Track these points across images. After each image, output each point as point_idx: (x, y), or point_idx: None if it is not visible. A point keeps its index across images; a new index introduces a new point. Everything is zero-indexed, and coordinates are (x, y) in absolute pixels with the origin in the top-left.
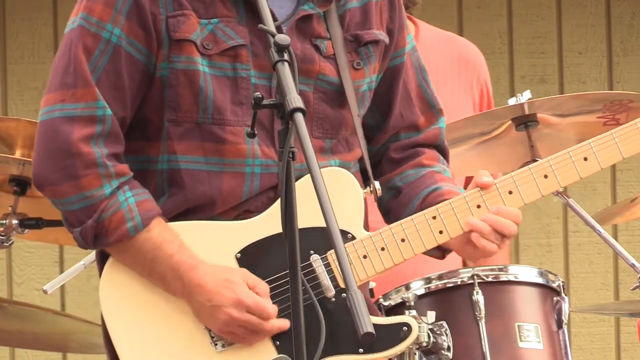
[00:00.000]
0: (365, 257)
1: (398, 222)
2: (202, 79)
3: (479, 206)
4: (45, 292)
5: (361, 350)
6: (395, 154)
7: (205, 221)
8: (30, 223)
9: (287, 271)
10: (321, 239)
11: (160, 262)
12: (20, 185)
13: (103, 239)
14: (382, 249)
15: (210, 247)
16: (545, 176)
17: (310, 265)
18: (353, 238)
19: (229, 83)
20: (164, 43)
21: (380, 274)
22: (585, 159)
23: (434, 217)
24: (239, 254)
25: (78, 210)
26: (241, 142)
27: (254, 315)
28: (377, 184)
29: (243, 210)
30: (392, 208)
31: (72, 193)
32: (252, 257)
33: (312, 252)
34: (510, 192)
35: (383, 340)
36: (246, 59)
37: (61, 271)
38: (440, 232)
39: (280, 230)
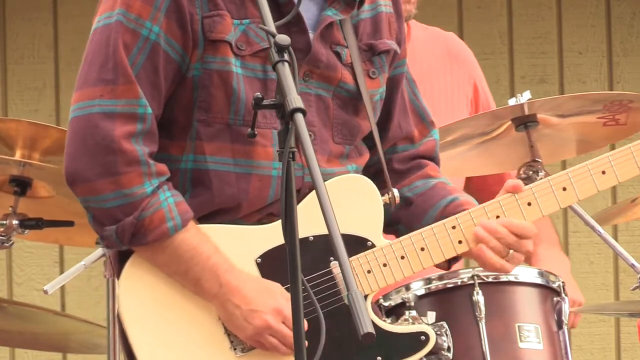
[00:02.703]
0: (385, 265)
1: (417, 231)
2: (235, 80)
3: (497, 217)
4: (45, 292)
5: (379, 358)
6: (398, 165)
7: (227, 225)
8: (30, 223)
9: (308, 277)
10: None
11: (197, 263)
12: (20, 186)
13: (141, 237)
14: (402, 257)
15: (231, 250)
16: (564, 189)
17: (330, 272)
18: (373, 246)
19: (259, 84)
20: (199, 43)
21: (398, 281)
22: (604, 172)
23: (454, 227)
24: (259, 259)
25: (115, 208)
26: (269, 145)
27: (288, 328)
28: (395, 191)
29: (266, 213)
30: (402, 218)
31: (109, 190)
32: (272, 262)
33: (331, 258)
34: (529, 204)
35: (401, 348)
36: None
37: (61, 271)
38: (460, 242)
39: (301, 236)
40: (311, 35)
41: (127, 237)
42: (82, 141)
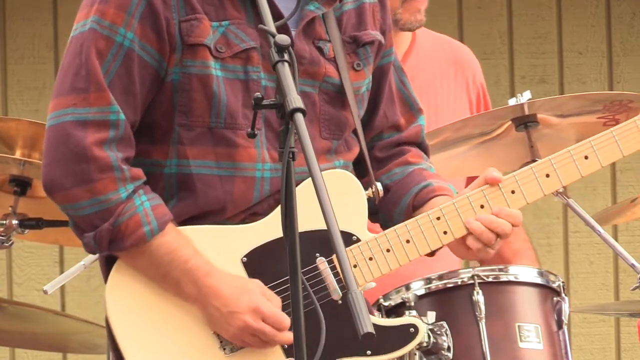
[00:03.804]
0: (371, 258)
1: (402, 224)
2: (215, 84)
3: (482, 206)
4: (45, 292)
5: (369, 352)
6: (379, 153)
7: (212, 225)
8: (30, 223)
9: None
10: (327, 241)
11: (175, 267)
12: (20, 186)
13: (119, 243)
14: (388, 250)
15: (217, 251)
16: (547, 175)
17: (316, 268)
18: (358, 240)
19: (241, 86)
20: (177, 47)
21: (385, 275)
22: (586, 157)
23: (438, 218)
24: (245, 258)
25: (92, 215)
26: (252, 146)
27: (268, 325)
28: (379, 185)
29: (250, 213)
30: (381, 206)
31: (85, 197)
32: (258, 261)
33: (317, 254)
34: (512, 192)
35: (390, 341)
36: (257, 62)
37: (61, 271)
38: (445, 232)
39: None
40: (293, 32)
41: (105, 244)
42: (56, 150)
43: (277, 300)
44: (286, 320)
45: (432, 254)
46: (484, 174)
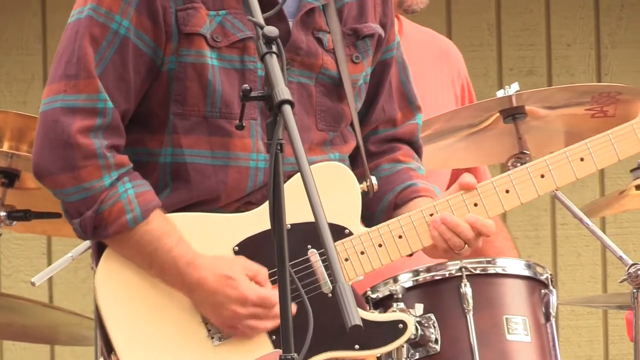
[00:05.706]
0: (362, 253)
1: (395, 219)
2: (210, 73)
3: (475, 204)
4: (33, 284)
5: (357, 346)
6: (372, 147)
7: (204, 213)
8: (18, 215)
9: None
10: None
11: (159, 255)
12: (8, 177)
13: (102, 230)
14: (380, 245)
15: (208, 240)
16: (542, 176)
17: (308, 260)
18: (350, 234)
19: (237, 76)
20: (173, 36)
21: (376, 269)
22: (582, 159)
23: (431, 215)
24: (237, 247)
25: (77, 202)
26: (247, 136)
27: (259, 308)
28: (373, 179)
29: (244, 202)
30: (364, 201)
31: (70, 184)
32: (249, 251)
33: (309, 246)
34: (507, 191)
35: (379, 337)
36: (253, 51)
37: (49, 263)
38: None
39: None
40: (290, 23)
41: (90, 230)
42: (45, 136)
43: (263, 274)
44: (274, 296)
45: (411, 254)
46: (459, 179)
